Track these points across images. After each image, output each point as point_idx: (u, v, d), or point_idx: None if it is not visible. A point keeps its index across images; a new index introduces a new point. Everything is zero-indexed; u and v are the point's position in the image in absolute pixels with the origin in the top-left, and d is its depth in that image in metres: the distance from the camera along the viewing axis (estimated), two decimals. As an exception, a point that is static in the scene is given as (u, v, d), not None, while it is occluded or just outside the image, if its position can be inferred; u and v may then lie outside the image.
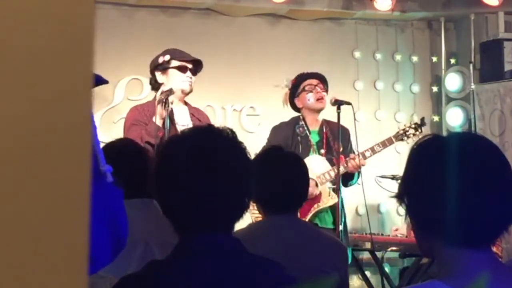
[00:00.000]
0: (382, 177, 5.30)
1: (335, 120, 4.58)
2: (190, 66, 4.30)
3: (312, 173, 4.58)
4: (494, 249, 1.58)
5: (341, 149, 4.67)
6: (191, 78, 4.28)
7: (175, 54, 4.33)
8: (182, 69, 4.27)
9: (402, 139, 4.89)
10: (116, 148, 2.75)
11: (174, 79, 4.26)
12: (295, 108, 4.83)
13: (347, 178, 4.68)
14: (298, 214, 4.47)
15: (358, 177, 4.69)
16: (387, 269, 5.59)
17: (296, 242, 2.64)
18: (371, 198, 5.46)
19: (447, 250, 1.43)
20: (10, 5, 0.70)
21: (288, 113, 4.91)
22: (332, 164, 4.59)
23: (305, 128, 4.71)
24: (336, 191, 4.42)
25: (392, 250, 4.97)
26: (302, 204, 2.88)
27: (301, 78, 4.78)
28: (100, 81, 1.45)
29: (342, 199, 4.66)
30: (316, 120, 4.77)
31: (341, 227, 4.45)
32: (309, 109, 4.73)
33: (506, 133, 5.85)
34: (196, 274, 1.69)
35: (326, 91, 4.77)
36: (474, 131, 5.75)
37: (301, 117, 4.76)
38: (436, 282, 1.42)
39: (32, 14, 0.70)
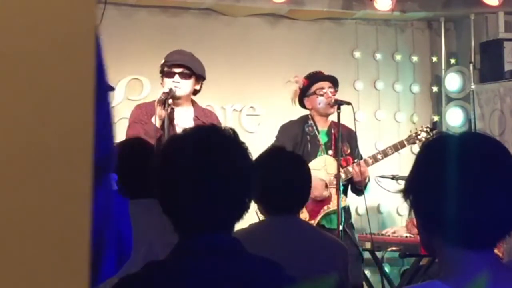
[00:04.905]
0: (382, 177, 5.29)
1: (336, 119, 4.57)
2: (177, 70, 4.28)
3: (326, 173, 4.59)
4: (496, 251, 1.58)
5: (348, 151, 4.65)
6: (179, 82, 4.26)
7: (168, 58, 4.34)
8: (169, 74, 4.28)
9: (414, 142, 4.88)
10: (125, 148, 2.76)
11: (165, 84, 4.29)
12: (303, 106, 4.78)
13: (357, 187, 4.63)
14: (308, 215, 4.49)
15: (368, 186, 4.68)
16: (387, 269, 5.59)
17: (296, 243, 2.64)
18: (371, 198, 5.45)
19: (449, 250, 1.43)
20: (11, 5, 0.69)
21: (289, 113, 4.90)
22: (340, 166, 4.57)
23: (314, 127, 4.68)
24: (336, 191, 4.41)
25: (392, 250, 4.97)
26: (304, 205, 2.87)
27: (313, 80, 4.72)
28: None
29: (348, 203, 4.67)
30: (325, 121, 4.72)
31: (341, 227, 4.44)
32: (318, 112, 4.71)
33: (506, 133, 5.85)
34: (195, 274, 1.69)
35: (336, 92, 4.73)
36: (474, 131, 5.74)
37: (310, 116, 4.73)
38: (436, 282, 1.42)
39: (33, 14, 0.70)
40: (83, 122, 0.71)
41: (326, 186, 4.57)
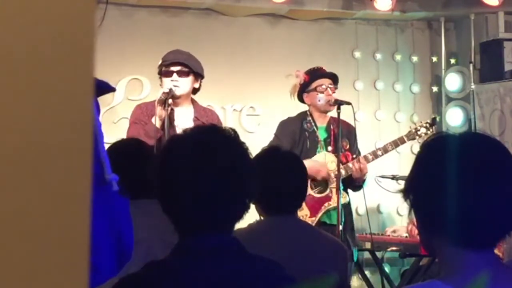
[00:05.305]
0: (382, 177, 5.29)
1: (335, 115, 4.56)
2: (175, 69, 4.27)
3: (326, 170, 4.60)
4: (496, 251, 1.57)
5: (347, 146, 4.65)
6: (177, 81, 4.25)
7: (165, 58, 4.33)
8: (167, 73, 4.27)
9: (413, 138, 4.88)
10: (125, 148, 2.76)
11: (164, 85, 4.28)
12: (302, 101, 4.78)
13: (355, 183, 4.65)
14: (309, 212, 4.49)
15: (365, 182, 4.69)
16: (387, 269, 5.59)
17: (295, 242, 2.64)
18: (371, 198, 5.46)
19: (449, 250, 1.43)
20: (11, 4, 0.69)
21: (289, 113, 4.90)
22: (340, 162, 4.56)
23: (313, 123, 4.67)
24: (336, 191, 4.41)
25: (392, 250, 4.97)
26: (301, 204, 2.87)
27: (314, 76, 4.71)
28: (108, 88, 1.44)
29: (349, 199, 4.68)
30: (324, 116, 4.72)
31: (341, 227, 4.45)
32: (317, 108, 4.70)
33: (506, 133, 5.85)
34: (195, 274, 1.69)
35: (336, 89, 4.73)
36: (474, 131, 5.74)
37: (308, 112, 4.72)
38: (436, 282, 1.42)
39: (33, 14, 0.70)
40: (83, 122, 0.71)
41: (327, 182, 4.58)
